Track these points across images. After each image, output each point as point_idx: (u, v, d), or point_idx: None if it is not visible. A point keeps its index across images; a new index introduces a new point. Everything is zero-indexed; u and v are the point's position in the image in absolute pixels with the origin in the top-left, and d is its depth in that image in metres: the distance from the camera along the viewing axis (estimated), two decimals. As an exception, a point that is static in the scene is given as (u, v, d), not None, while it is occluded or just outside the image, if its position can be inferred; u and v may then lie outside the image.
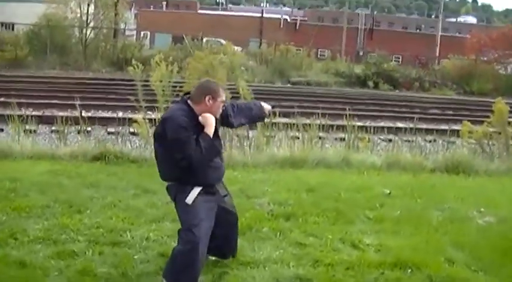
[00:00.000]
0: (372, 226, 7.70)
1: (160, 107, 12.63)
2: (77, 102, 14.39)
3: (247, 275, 5.90)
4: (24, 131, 13.89)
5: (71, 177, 9.77)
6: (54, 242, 6.67)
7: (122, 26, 41.67)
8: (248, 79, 35.04)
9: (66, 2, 38.66)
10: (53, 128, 14.97)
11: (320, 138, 14.74)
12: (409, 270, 6.19)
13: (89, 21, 39.49)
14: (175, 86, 12.64)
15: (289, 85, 36.10)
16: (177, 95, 12.48)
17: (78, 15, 39.04)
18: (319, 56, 50.49)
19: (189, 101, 5.53)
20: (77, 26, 39.33)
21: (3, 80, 28.38)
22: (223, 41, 54.38)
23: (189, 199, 5.54)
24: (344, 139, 14.54)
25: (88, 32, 39.22)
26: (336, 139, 15.73)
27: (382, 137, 16.82)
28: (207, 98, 5.46)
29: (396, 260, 6.36)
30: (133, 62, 12.49)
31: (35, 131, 15.78)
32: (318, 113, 15.05)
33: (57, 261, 6.13)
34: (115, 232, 7.00)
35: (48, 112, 17.61)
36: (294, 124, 13.96)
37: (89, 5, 39.24)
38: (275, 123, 13.76)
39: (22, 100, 20.51)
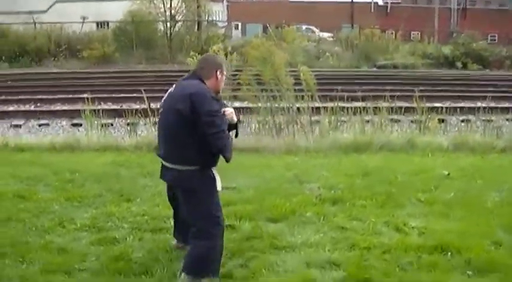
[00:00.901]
0: (422, 209, 7.49)
1: (224, 95, 12.72)
2: (144, 95, 14.61)
3: (278, 259, 5.85)
4: (102, 125, 14.29)
5: (130, 168, 10.00)
6: (99, 230, 6.84)
7: (206, 17, 41.87)
8: (333, 64, 35.07)
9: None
10: (129, 120, 15.18)
11: (395, 121, 14.56)
12: (449, 254, 5.96)
13: (172, 15, 39.95)
14: (235, 74, 12.69)
15: (375, 69, 35.59)
16: (238, 83, 12.64)
17: (162, 9, 39.54)
18: (412, 38, 49.33)
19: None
20: (161, 21, 39.88)
21: (89, 76, 29.29)
22: (314, 28, 54.73)
23: (219, 186, 5.47)
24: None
25: (172, 26, 39.74)
26: (412, 122, 15.43)
27: (460, 118, 16.41)
28: (218, 72, 5.41)
29: (437, 244, 6.15)
30: (191, 53, 12.58)
31: (111, 124, 16.22)
32: (387, 96, 14.64)
33: (97, 247, 6.29)
34: (158, 219, 7.10)
35: (126, 106, 17.92)
36: (363, 108, 13.73)
37: (171, -1, 39.79)
38: (343, 107, 13.62)
39: (104, 95, 21.24)
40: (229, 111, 5.39)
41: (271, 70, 12.39)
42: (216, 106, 5.19)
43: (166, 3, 39.64)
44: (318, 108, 13.59)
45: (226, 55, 12.37)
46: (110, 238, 6.51)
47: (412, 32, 52.84)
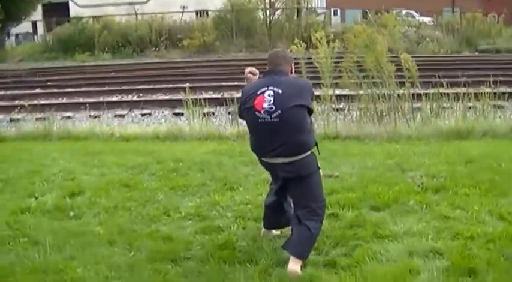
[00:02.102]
0: (528, 197, 7.33)
1: (325, 83, 12.77)
2: (242, 83, 14.76)
3: (382, 248, 5.85)
4: (204, 114, 14.54)
5: (232, 156, 10.18)
6: (204, 218, 7.02)
7: (305, 4, 41.80)
8: (434, 50, 34.44)
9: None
10: (230, 109, 15.33)
11: (499, 107, 14.24)
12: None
13: (272, 2, 40.09)
14: (338, 62, 12.68)
15: (476, 53, 34.74)
16: (339, 71, 12.62)
17: (261, -3, 39.80)
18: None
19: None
20: (261, 8, 40.03)
21: (190, 65, 29.77)
22: (414, 13, 53.79)
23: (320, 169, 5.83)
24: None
25: (271, 13, 39.88)
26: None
27: None
28: (292, 66, 5.89)
29: (545, 233, 6.04)
30: (296, 40, 12.59)
31: (213, 113, 16.47)
32: (490, 81, 14.30)
33: (202, 236, 6.46)
34: (262, 208, 7.11)
35: (227, 94, 18.09)
36: (465, 94, 13.48)
37: (271, -13, 39.92)
38: (445, 93, 13.42)
39: (205, 84, 21.56)
40: None
41: (372, 57, 12.31)
42: None
43: (266, -10, 39.84)
44: (419, 94, 13.42)
45: (328, 42, 12.31)
46: (214, 227, 6.67)
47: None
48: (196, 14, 47.17)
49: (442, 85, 13.48)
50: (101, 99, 20.35)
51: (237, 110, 6.28)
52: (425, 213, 6.83)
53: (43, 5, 51.69)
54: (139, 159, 10.14)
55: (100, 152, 10.98)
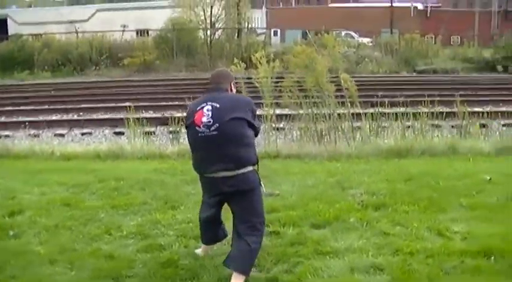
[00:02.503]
0: (465, 214, 7.47)
1: (266, 102, 12.87)
2: (187, 103, 14.82)
3: (323, 264, 5.90)
4: (145, 133, 14.52)
5: (174, 175, 10.17)
6: (145, 237, 6.98)
7: (246, 25, 42.11)
8: (373, 70, 35.03)
9: (190, 5, 39.63)
10: (171, 128, 15.31)
11: (436, 126, 14.54)
12: (492, 258, 5.96)
13: (212, 22, 40.27)
14: (278, 82, 12.81)
15: (414, 74, 35.40)
16: (280, 90, 12.74)
17: (202, 17, 39.88)
18: (452, 43, 48.97)
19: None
20: (201, 28, 40.15)
21: (130, 84, 29.71)
22: (353, 34, 54.62)
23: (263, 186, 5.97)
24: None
25: (212, 34, 40.06)
26: (452, 127, 15.39)
27: (502, 123, 16.32)
28: (232, 84, 6.07)
29: (481, 248, 6.14)
30: (235, 60, 12.68)
31: (153, 132, 16.44)
32: (427, 101, 14.60)
33: (144, 254, 6.43)
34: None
35: (167, 114, 18.05)
36: (403, 113, 13.74)
37: (212, 7, 40.03)
38: (384, 113, 13.66)
39: (145, 103, 21.52)
40: None
41: (312, 77, 12.46)
42: None
43: (207, 11, 39.98)
44: (358, 114, 13.64)
45: (268, 62, 12.43)
46: (156, 245, 6.64)
47: (452, 36, 52.43)
48: (137, 33, 47.08)
49: (381, 104, 13.70)
50: (41, 118, 20.19)
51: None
52: (365, 230, 6.91)
53: (-20, 22, 51.01)
54: (81, 178, 10.05)
55: (41, 171, 10.85)
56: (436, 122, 14.73)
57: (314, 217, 7.36)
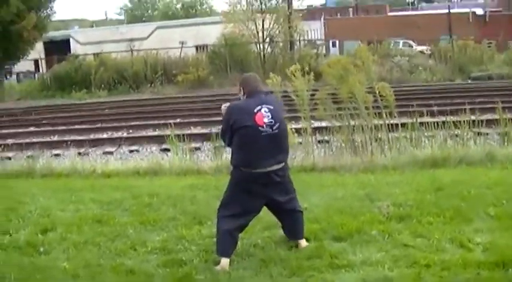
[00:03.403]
0: (491, 223, 7.38)
1: (304, 115, 12.90)
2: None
3: (336, 278, 5.95)
4: (190, 149, 14.69)
5: (207, 190, 10.25)
6: (168, 252, 7.11)
7: (298, 37, 42.14)
8: (426, 78, 34.64)
9: (242, 20, 39.89)
10: (216, 144, 15.43)
11: (481, 134, 14.34)
12: (510, 270, 5.88)
13: (265, 36, 40.43)
14: (313, 94, 12.82)
15: (469, 81, 34.82)
16: (315, 103, 12.74)
17: (255, 31, 40.07)
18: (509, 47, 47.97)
19: None
20: (254, 42, 40.35)
21: (183, 101, 30.02)
22: (411, 42, 54.18)
23: None
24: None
25: (265, 47, 40.24)
26: (499, 134, 15.14)
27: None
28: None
29: (499, 259, 6.06)
30: (272, 74, 12.76)
31: (198, 148, 16.61)
32: (465, 109, 14.43)
33: (164, 269, 6.56)
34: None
35: (215, 129, 18.11)
36: (444, 122, 13.61)
37: (263, 20, 40.19)
38: (422, 122, 13.56)
39: (194, 119, 21.75)
40: None
41: (347, 87, 12.43)
42: None
43: (259, 24, 40.18)
44: (397, 124, 13.55)
45: (303, 75, 12.47)
46: (177, 260, 6.76)
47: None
48: (196, 49, 47.61)
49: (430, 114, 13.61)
50: (91, 136, 20.58)
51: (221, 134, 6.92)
52: (386, 243, 6.89)
53: (44, 43, 52.31)
54: (116, 194, 10.23)
55: (80, 189, 11.06)
56: (481, 130, 14.53)
57: (336, 230, 7.36)
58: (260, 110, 6.37)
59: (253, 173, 6.46)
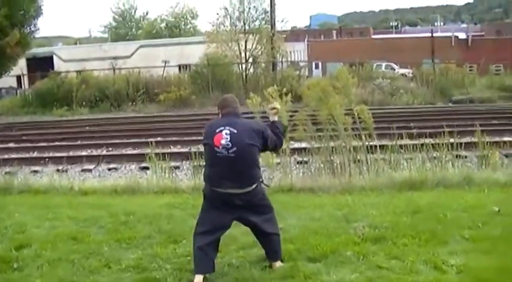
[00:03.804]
0: (465, 246, 7.41)
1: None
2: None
3: (308, 300, 5.93)
4: (170, 167, 14.67)
5: (184, 209, 10.23)
6: (143, 270, 7.10)
7: (280, 58, 42.28)
8: (408, 101, 34.83)
9: (226, 41, 40.00)
10: (195, 163, 15.41)
11: (460, 156, 14.43)
12: (483, 293, 5.92)
13: (247, 57, 40.55)
14: (292, 115, 12.85)
15: (450, 104, 35.03)
16: (294, 125, 12.76)
17: (237, 52, 40.18)
18: (495, 72, 48.32)
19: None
20: (237, 63, 40.44)
21: (164, 120, 30.01)
22: (394, 65, 54.56)
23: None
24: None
25: (248, 68, 40.34)
26: (477, 157, 15.24)
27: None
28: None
29: (473, 281, 6.11)
30: (252, 95, 12.80)
31: (178, 167, 16.57)
32: (444, 132, 14.56)
33: (139, 287, 6.51)
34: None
35: (195, 148, 18.04)
36: (422, 145, 13.68)
37: (246, 41, 40.33)
38: (401, 145, 13.61)
39: (174, 138, 21.71)
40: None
41: (326, 110, 12.47)
42: None
43: (241, 45, 40.31)
44: (376, 146, 13.60)
45: (280, 96, 12.50)
46: (151, 278, 6.77)
47: (491, 65, 51.78)
48: (179, 68, 47.62)
49: (402, 136, 13.68)
50: (71, 153, 20.51)
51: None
52: (360, 264, 6.89)
53: (27, 59, 52.22)
54: (93, 212, 10.18)
55: (56, 206, 10.99)
56: (460, 153, 14.61)
57: (311, 250, 7.36)
58: (222, 131, 6.49)
59: (215, 191, 6.62)
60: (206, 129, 6.75)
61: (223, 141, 6.42)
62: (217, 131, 6.50)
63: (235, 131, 6.47)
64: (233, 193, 6.52)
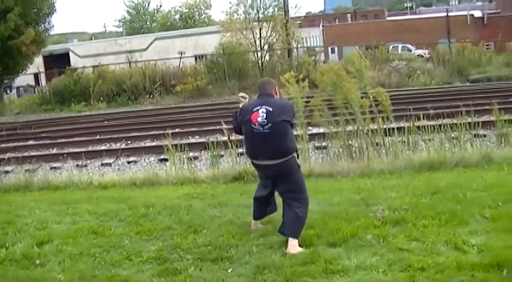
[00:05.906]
0: (486, 225, 7.34)
1: (300, 122, 12.89)
2: (224, 127, 14.98)
3: (328, 283, 5.91)
4: (189, 158, 14.69)
5: (203, 199, 10.25)
6: (164, 261, 7.11)
7: (295, 44, 42.16)
8: (425, 82, 34.59)
9: (240, 29, 39.99)
10: (213, 153, 15.41)
11: (477, 136, 14.34)
12: (504, 271, 5.85)
13: (262, 44, 40.48)
14: (308, 101, 12.81)
15: (467, 84, 34.76)
16: (311, 111, 12.74)
17: (252, 40, 40.13)
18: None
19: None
20: (252, 51, 40.42)
21: (181, 111, 30.00)
22: (410, 46, 54.22)
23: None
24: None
25: (263, 55, 40.32)
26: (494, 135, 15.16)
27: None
28: (276, 88, 7.64)
29: (494, 260, 6.04)
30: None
31: (196, 157, 16.59)
32: (462, 111, 14.45)
33: (159, 278, 6.57)
34: (221, 248, 7.30)
35: (213, 138, 18.02)
36: (440, 125, 13.60)
37: (261, 29, 40.26)
38: (419, 126, 13.54)
39: (193, 129, 21.70)
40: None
41: (341, 94, 12.42)
42: None
43: (256, 33, 40.25)
44: (393, 128, 13.53)
45: (297, 82, 12.49)
46: (172, 269, 6.76)
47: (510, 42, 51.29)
48: (195, 58, 47.61)
49: (419, 118, 13.61)
50: (90, 148, 20.60)
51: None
52: (381, 247, 6.86)
53: (44, 57, 52.48)
54: (113, 206, 10.22)
55: (76, 201, 11.03)
56: (478, 132, 14.51)
57: (331, 235, 7.34)
58: (258, 110, 7.20)
59: (254, 163, 7.62)
60: (243, 108, 7.54)
61: (259, 119, 7.15)
62: (254, 109, 7.24)
63: (271, 109, 7.16)
64: (267, 164, 7.30)
